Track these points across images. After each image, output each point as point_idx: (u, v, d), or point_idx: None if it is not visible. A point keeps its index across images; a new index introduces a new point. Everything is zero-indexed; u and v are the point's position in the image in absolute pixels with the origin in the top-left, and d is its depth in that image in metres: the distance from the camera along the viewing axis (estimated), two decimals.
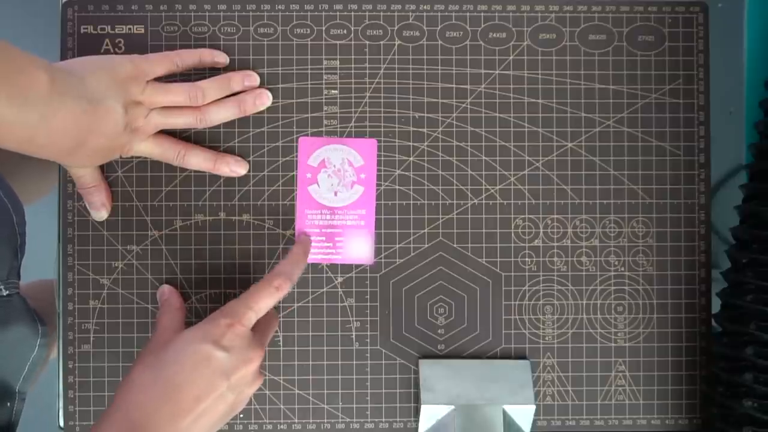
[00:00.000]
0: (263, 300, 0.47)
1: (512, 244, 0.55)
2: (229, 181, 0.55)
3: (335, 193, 0.55)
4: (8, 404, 0.49)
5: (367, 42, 0.55)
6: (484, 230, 0.55)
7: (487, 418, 0.51)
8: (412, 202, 0.55)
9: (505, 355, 0.55)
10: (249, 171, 0.55)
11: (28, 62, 0.42)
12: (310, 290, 0.55)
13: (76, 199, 0.54)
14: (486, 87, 0.55)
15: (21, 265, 0.51)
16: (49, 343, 0.51)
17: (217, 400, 0.44)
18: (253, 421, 0.55)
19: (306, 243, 0.52)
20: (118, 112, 0.47)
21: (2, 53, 0.41)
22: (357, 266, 0.55)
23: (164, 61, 0.51)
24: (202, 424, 0.44)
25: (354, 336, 0.55)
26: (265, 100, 0.54)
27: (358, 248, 0.55)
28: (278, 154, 0.55)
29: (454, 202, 0.55)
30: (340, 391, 0.55)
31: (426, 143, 0.55)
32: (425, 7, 0.55)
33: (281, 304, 0.55)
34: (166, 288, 0.53)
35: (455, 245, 0.55)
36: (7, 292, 0.48)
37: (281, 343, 0.55)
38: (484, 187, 0.55)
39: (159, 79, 0.51)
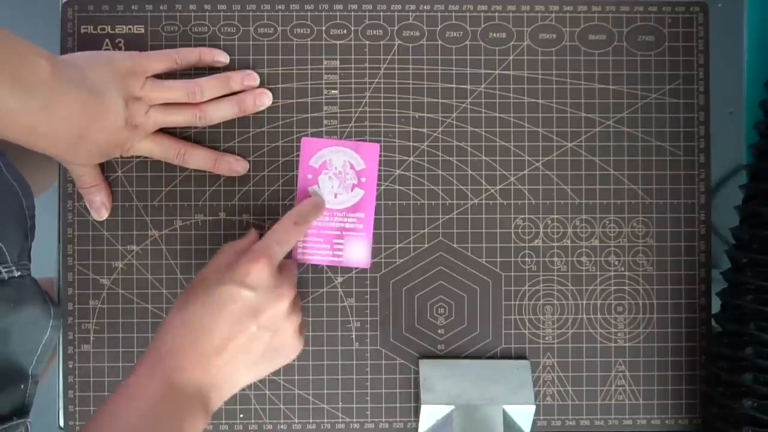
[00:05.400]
0: (285, 233, 0.48)
1: (512, 244, 0.55)
2: (229, 181, 0.55)
3: (335, 195, 0.55)
4: (22, 386, 0.49)
5: (367, 42, 0.55)
6: (484, 230, 0.55)
7: (487, 418, 0.51)
8: (412, 202, 0.55)
9: (505, 355, 0.55)
10: (249, 171, 0.55)
11: (30, 50, 0.43)
12: (310, 290, 0.55)
13: (76, 199, 0.54)
14: (486, 87, 0.55)
15: (31, 248, 0.51)
16: (59, 325, 0.52)
17: (251, 340, 0.45)
18: (253, 421, 0.55)
19: (318, 200, 0.53)
20: (119, 106, 0.48)
21: (4, 41, 0.42)
22: (357, 268, 0.55)
23: (164, 58, 0.51)
24: (240, 362, 0.45)
25: (354, 336, 0.55)
26: (265, 99, 0.54)
27: (356, 251, 0.55)
28: (278, 154, 0.55)
29: (454, 202, 0.55)
30: (340, 391, 0.55)
31: (426, 143, 0.55)
32: (425, 7, 0.55)
33: None
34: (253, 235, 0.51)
35: (455, 245, 0.55)
36: (19, 273, 0.49)
37: None
38: (484, 187, 0.55)
39: (159, 78, 0.51)
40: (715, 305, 0.55)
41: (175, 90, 0.51)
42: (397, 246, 0.55)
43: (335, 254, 0.55)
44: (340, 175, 0.55)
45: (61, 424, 0.54)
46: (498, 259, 0.55)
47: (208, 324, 0.44)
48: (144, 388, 0.42)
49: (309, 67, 0.55)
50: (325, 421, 0.55)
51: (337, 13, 0.55)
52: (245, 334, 0.45)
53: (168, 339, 0.44)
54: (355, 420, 0.55)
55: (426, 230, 0.55)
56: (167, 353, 0.44)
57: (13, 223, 0.49)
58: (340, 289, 0.55)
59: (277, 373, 0.55)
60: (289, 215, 0.49)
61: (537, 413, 0.55)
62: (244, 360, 0.45)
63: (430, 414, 0.52)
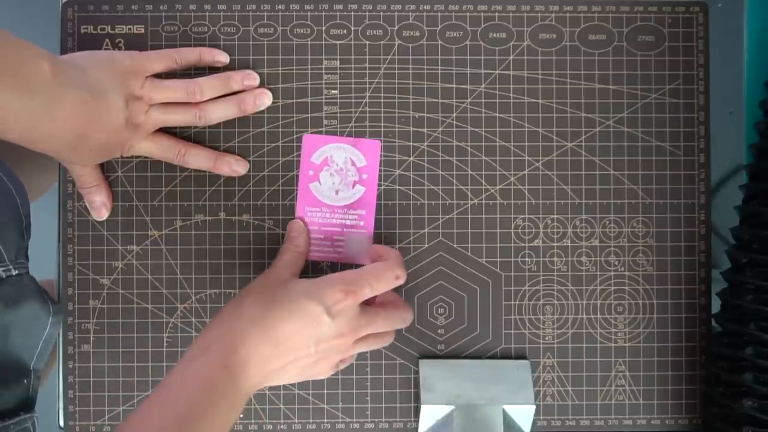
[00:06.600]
0: (383, 283, 0.48)
1: (512, 244, 0.55)
2: (229, 181, 0.55)
3: (336, 192, 0.55)
4: (25, 381, 0.50)
5: (367, 42, 0.55)
6: (484, 230, 0.55)
7: (487, 418, 0.51)
8: (412, 202, 0.55)
9: (505, 355, 0.55)
10: (249, 171, 0.55)
11: (30, 51, 0.43)
12: None
13: (76, 199, 0.54)
14: (486, 87, 0.55)
15: (28, 246, 0.51)
16: (59, 321, 0.52)
17: (303, 357, 0.46)
18: (252, 421, 0.55)
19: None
20: (119, 106, 0.48)
21: (4, 43, 0.42)
22: (357, 265, 0.55)
23: (163, 57, 0.51)
24: (285, 372, 0.46)
25: None
26: (265, 99, 0.54)
27: (356, 248, 0.55)
28: (278, 154, 0.55)
29: (454, 202, 0.55)
30: (340, 391, 0.55)
31: (426, 143, 0.55)
32: (425, 7, 0.55)
33: None
34: (299, 224, 0.54)
35: (455, 245, 0.55)
36: (17, 271, 0.49)
37: None
38: (484, 187, 0.55)
39: (159, 78, 0.51)
40: (715, 305, 0.55)
41: (175, 89, 0.51)
42: (397, 246, 0.55)
43: (336, 251, 0.55)
44: (341, 172, 0.55)
45: (61, 424, 0.54)
46: (498, 259, 0.55)
47: (284, 332, 0.45)
48: (206, 366, 0.43)
49: (309, 67, 0.55)
50: (325, 421, 0.55)
51: (337, 13, 0.55)
52: (304, 352, 0.46)
53: (245, 328, 0.45)
54: (355, 420, 0.55)
55: (426, 230, 0.55)
56: (240, 340, 0.44)
57: (9, 223, 0.49)
58: None
59: None
60: (391, 266, 0.48)
61: (537, 413, 0.55)
62: (287, 371, 0.47)
63: (430, 414, 0.52)
